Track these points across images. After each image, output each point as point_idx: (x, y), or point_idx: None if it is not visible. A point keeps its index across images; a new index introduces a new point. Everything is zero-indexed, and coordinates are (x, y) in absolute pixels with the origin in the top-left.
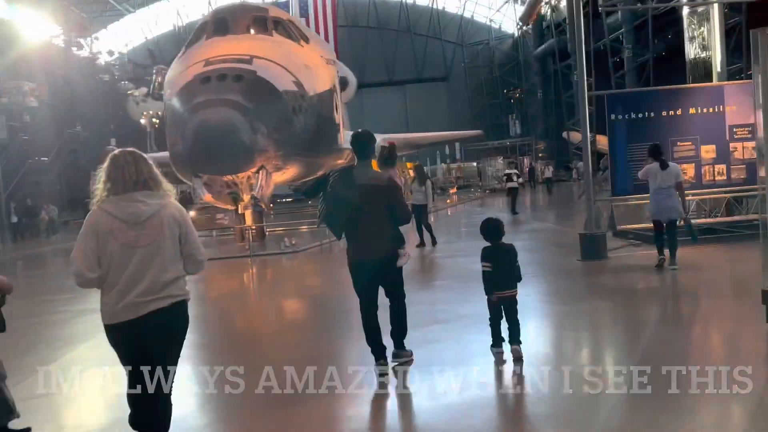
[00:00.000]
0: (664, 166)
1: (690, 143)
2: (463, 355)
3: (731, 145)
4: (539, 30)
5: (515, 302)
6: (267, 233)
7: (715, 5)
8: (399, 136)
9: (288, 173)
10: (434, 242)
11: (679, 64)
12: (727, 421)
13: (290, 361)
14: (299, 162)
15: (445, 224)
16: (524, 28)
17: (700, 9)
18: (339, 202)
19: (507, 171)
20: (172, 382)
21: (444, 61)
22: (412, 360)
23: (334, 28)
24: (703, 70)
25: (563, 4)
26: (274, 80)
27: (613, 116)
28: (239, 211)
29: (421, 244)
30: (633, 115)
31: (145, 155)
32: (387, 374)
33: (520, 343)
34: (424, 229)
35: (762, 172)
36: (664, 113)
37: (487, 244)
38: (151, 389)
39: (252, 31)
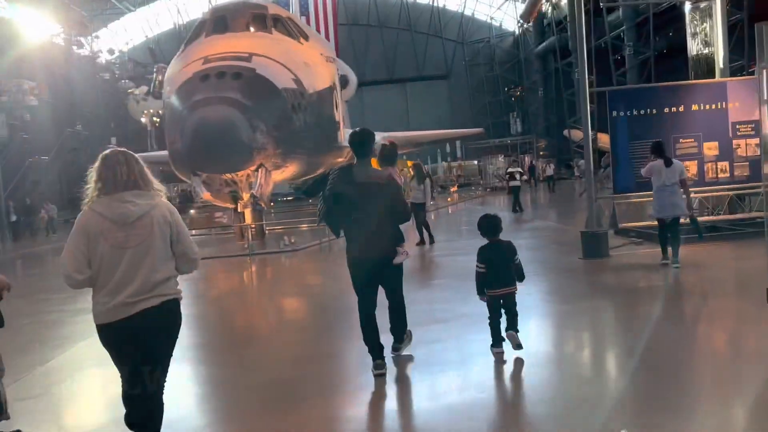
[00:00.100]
0: (668, 163)
1: (692, 140)
2: (463, 354)
3: (734, 142)
4: (540, 28)
5: (514, 299)
6: (267, 232)
7: (717, 0)
8: (399, 134)
9: (287, 171)
10: (431, 241)
11: (680, 61)
12: (731, 421)
13: (290, 360)
14: (299, 160)
15: (445, 222)
16: (525, 25)
17: (702, 5)
18: (338, 201)
19: (510, 169)
20: (165, 381)
21: (445, 59)
22: (410, 343)
23: (335, 26)
24: (706, 66)
25: (564, 1)
26: (274, 78)
27: (614, 113)
28: (238, 210)
29: (421, 242)
30: (635, 112)
31: (136, 155)
32: (385, 374)
33: (517, 330)
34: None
35: (766, 169)
36: (666, 110)
37: (485, 242)
38: (143, 388)
39: (251, 29)
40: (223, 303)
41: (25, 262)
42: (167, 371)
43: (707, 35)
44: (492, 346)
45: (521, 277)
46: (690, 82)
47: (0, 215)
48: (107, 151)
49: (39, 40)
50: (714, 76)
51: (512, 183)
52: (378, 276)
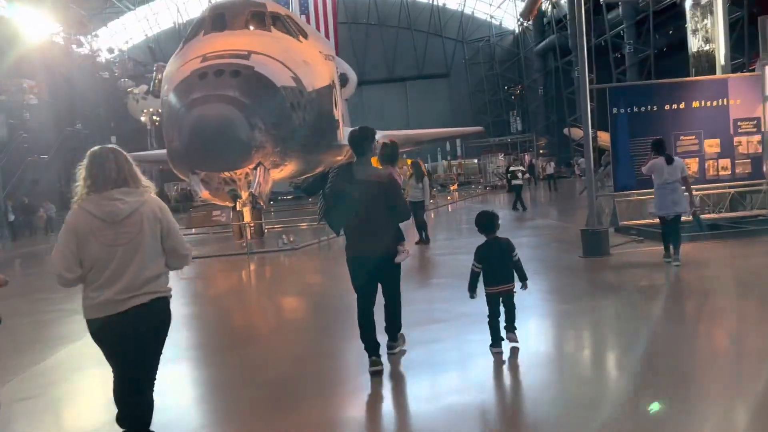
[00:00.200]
0: (669, 160)
1: (693, 137)
2: (462, 354)
3: (735, 139)
4: (540, 26)
5: (512, 296)
6: (266, 230)
7: None
8: (400, 132)
9: (286, 170)
10: (427, 241)
11: (680, 59)
12: (733, 421)
13: (288, 360)
14: (297, 158)
15: (445, 221)
16: (525, 24)
17: (703, 1)
18: (339, 199)
19: (512, 168)
20: (154, 379)
21: (444, 57)
22: (405, 349)
23: (335, 25)
24: (707, 63)
25: (564, 0)
26: (272, 76)
27: (615, 110)
28: (237, 208)
29: (420, 241)
30: (635, 109)
31: (125, 152)
32: (381, 371)
33: (515, 329)
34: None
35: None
36: (666, 107)
37: (483, 241)
38: (133, 386)
39: (250, 27)
40: (221, 302)
41: (23, 261)
42: (156, 369)
43: (708, 32)
44: (491, 346)
45: (523, 277)
46: (691, 78)
47: None
48: (95, 148)
49: (38, 39)
50: (715, 73)
51: (514, 182)
52: (377, 274)
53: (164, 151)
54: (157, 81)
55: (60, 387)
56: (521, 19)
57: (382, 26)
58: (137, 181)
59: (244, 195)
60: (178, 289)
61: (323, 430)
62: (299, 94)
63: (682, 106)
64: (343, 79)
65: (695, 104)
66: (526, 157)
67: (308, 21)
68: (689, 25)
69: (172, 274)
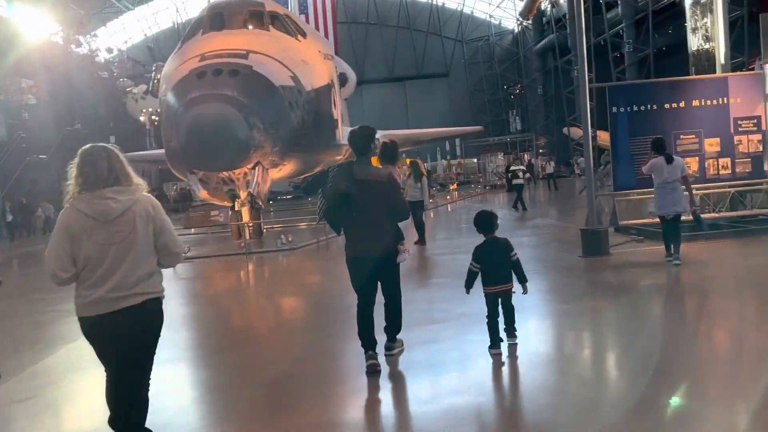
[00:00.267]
0: (669, 159)
1: (693, 136)
2: (462, 356)
3: (736, 138)
4: (539, 25)
5: (510, 297)
6: (264, 230)
7: None
8: (399, 132)
9: (285, 169)
10: (422, 242)
11: (679, 58)
12: (734, 423)
13: (287, 361)
14: (296, 158)
15: (444, 220)
16: (524, 23)
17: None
18: (339, 198)
19: (513, 167)
20: (149, 378)
21: (444, 57)
22: (403, 349)
23: (334, 25)
24: (706, 62)
25: None
26: (271, 75)
27: (614, 109)
28: (236, 208)
29: (419, 241)
30: (635, 108)
31: (117, 150)
32: (377, 364)
33: (514, 330)
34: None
35: None
36: (666, 106)
37: (482, 240)
38: (125, 386)
39: (248, 26)
40: (219, 302)
41: (21, 261)
42: (150, 370)
43: (708, 30)
44: (490, 347)
45: (522, 278)
46: (691, 77)
47: None
48: (87, 146)
49: (37, 39)
50: (714, 72)
51: (515, 181)
52: (377, 274)
53: (163, 150)
54: (156, 81)
55: (59, 387)
56: (520, 19)
57: (381, 26)
58: (129, 180)
59: (243, 195)
60: (177, 288)
61: (322, 430)
62: (298, 93)
63: (682, 105)
64: (343, 79)
65: (695, 103)
66: (526, 156)
67: (307, 21)
68: (689, 24)
69: (169, 274)
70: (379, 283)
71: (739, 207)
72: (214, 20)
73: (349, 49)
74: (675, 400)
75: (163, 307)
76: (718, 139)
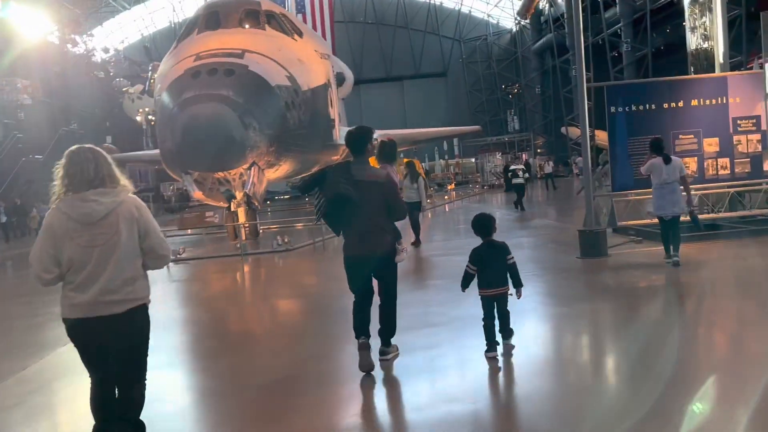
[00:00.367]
0: (667, 160)
1: (692, 136)
2: (458, 361)
3: (735, 138)
4: (537, 25)
5: (506, 299)
6: (261, 231)
7: None
8: (397, 132)
9: (281, 170)
10: (418, 243)
11: (677, 58)
12: (733, 426)
13: (282, 365)
14: (293, 158)
15: (442, 221)
16: (522, 23)
17: None
18: (336, 199)
19: (513, 166)
20: (143, 379)
21: (442, 56)
22: (398, 354)
23: (331, 24)
24: (705, 61)
25: None
26: (266, 75)
27: (612, 109)
28: (231, 209)
29: (416, 242)
30: (633, 108)
31: (104, 152)
32: (369, 347)
33: (510, 333)
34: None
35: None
36: (665, 105)
37: (480, 242)
38: (110, 394)
39: (244, 25)
40: (214, 305)
41: (15, 263)
42: (143, 370)
43: (707, 29)
44: (486, 351)
45: (517, 283)
46: (690, 76)
47: None
48: (74, 148)
49: (33, 39)
50: (714, 71)
51: (515, 180)
52: (375, 274)
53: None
54: (152, 80)
55: (57, 387)
56: (518, 18)
57: (379, 25)
58: (115, 181)
59: (239, 195)
60: (171, 291)
61: None
62: (294, 93)
63: (680, 104)
64: (340, 79)
65: (694, 102)
66: (523, 156)
67: (305, 20)
68: (687, 23)
69: (164, 275)
70: (375, 284)
71: (738, 207)
72: (210, 19)
73: (346, 49)
74: (676, 405)
75: (158, 309)
76: (717, 139)
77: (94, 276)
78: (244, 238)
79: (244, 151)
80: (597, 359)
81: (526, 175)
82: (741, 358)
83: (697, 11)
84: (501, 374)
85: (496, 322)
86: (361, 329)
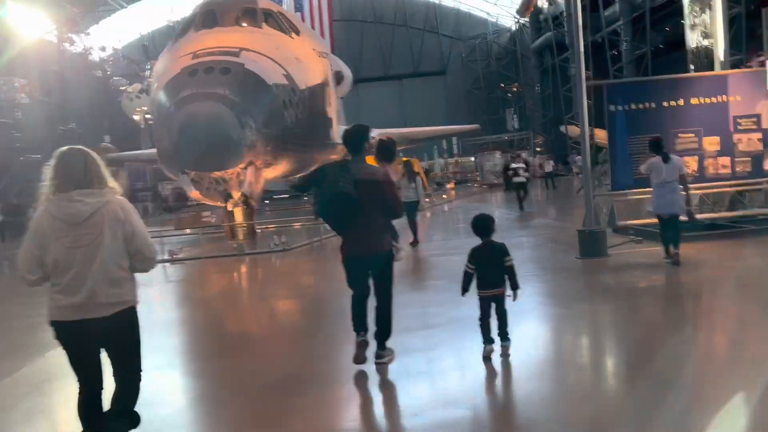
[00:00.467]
0: (666, 159)
1: (692, 135)
2: (455, 364)
3: (735, 136)
4: (536, 23)
5: (504, 300)
6: (258, 231)
7: None
8: (396, 130)
9: (279, 169)
10: (416, 243)
11: (677, 56)
12: (734, 426)
13: (280, 366)
14: (290, 157)
15: (441, 220)
16: (521, 21)
17: None
18: (334, 197)
19: (513, 165)
20: (134, 396)
21: (441, 55)
22: (394, 358)
23: (330, 23)
24: (705, 59)
25: None
26: (264, 73)
27: (612, 107)
28: (228, 209)
29: (414, 242)
30: (633, 107)
31: (94, 154)
32: (366, 341)
33: (508, 340)
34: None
35: None
36: (665, 104)
37: (479, 242)
38: (97, 398)
39: (241, 24)
40: (210, 305)
41: (11, 263)
42: (137, 365)
43: (707, 27)
44: (483, 344)
45: (514, 285)
46: (690, 74)
47: None
48: (64, 148)
49: (31, 38)
50: (714, 69)
51: (516, 179)
52: (373, 272)
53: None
54: (151, 79)
55: (55, 387)
56: (518, 16)
57: (377, 23)
58: (103, 182)
59: (236, 195)
60: (167, 291)
61: None
62: (291, 91)
63: (680, 103)
64: (338, 77)
65: (694, 101)
66: (523, 154)
67: (303, 19)
68: (687, 21)
69: (160, 276)
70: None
71: (738, 207)
72: (207, 18)
73: (345, 47)
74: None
75: (155, 310)
76: (717, 138)
77: (80, 278)
78: (241, 237)
79: (240, 150)
80: (597, 361)
81: (527, 173)
82: (741, 358)
83: (697, 9)
84: (500, 376)
85: (494, 323)
86: (360, 323)
